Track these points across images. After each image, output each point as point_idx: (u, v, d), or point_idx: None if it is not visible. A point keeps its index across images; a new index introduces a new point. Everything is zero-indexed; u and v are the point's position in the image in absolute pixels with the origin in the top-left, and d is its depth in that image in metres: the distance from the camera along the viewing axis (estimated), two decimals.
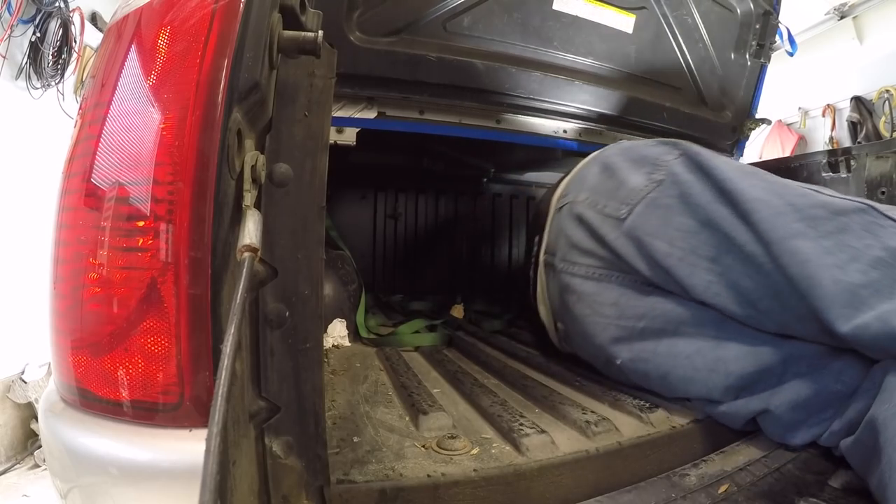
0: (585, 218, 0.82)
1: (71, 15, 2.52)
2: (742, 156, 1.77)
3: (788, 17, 1.70)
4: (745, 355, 0.65)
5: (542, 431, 0.62)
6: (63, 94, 2.61)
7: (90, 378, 0.43)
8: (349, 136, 1.13)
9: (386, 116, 1.16)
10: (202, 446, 0.28)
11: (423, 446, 0.61)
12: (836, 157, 1.08)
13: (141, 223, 0.41)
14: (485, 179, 2.28)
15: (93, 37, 2.72)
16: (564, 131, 1.44)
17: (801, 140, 4.63)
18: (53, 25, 2.44)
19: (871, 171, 1.03)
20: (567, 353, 0.95)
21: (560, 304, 0.89)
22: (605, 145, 1.53)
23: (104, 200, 0.42)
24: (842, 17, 4.01)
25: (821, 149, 4.26)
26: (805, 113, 4.67)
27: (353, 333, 1.20)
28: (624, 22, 1.31)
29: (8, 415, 2.39)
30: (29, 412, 2.44)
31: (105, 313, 0.42)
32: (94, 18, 2.78)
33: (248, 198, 0.42)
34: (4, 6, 2.18)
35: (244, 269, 0.37)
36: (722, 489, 0.56)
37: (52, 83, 2.53)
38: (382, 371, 0.95)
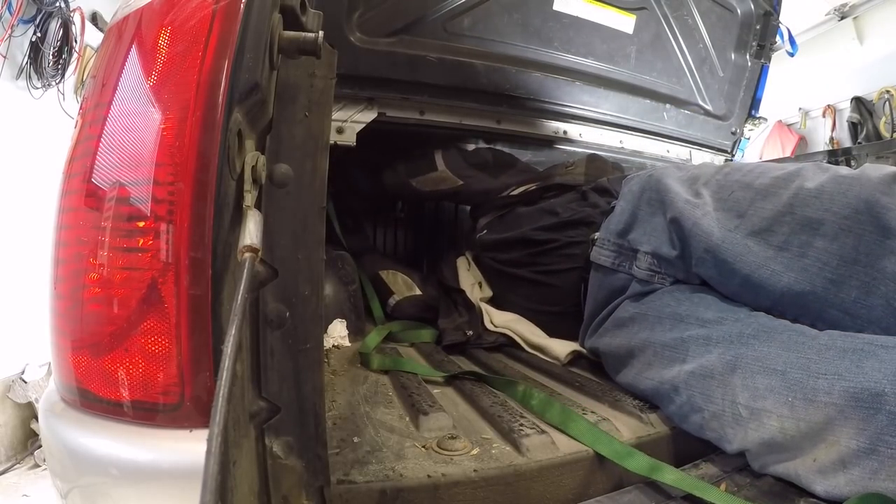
0: None
1: (71, 15, 2.52)
2: (743, 156, 1.77)
3: (789, 17, 1.70)
4: None
5: (542, 432, 0.62)
6: (63, 94, 2.61)
7: (90, 378, 0.43)
8: (349, 136, 1.13)
9: (386, 117, 1.17)
10: (202, 447, 0.28)
11: (424, 447, 0.61)
12: (837, 158, 1.09)
13: (141, 224, 0.41)
14: None
15: (93, 37, 2.72)
16: (564, 132, 1.44)
17: (802, 141, 4.63)
18: (54, 25, 2.44)
19: None
20: None
21: None
22: (604, 147, 1.52)
23: (104, 201, 0.42)
24: (842, 18, 4.01)
25: (821, 149, 4.26)
26: (805, 113, 4.66)
27: (354, 333, 1.20)
28: (624, 22, 1.31)
29: (8, 415, 2.39)
30: (29, 412, 2.44)
31: (105, 314, 0.42)
32: (95, 18, 2.78)
33: (249, 198, 0.42)
34: (5, 6, 2.18)
35: (245, 270, 0.37)
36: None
37: (53, 83, 2.53)
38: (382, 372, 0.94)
